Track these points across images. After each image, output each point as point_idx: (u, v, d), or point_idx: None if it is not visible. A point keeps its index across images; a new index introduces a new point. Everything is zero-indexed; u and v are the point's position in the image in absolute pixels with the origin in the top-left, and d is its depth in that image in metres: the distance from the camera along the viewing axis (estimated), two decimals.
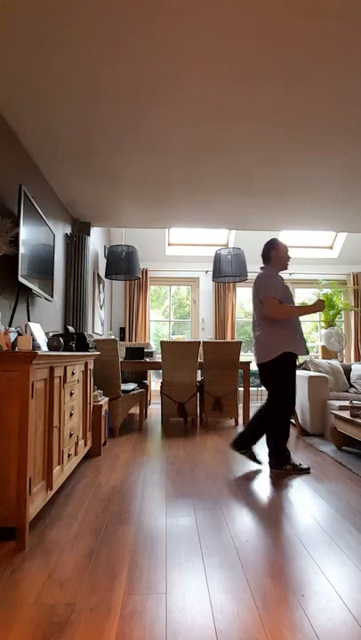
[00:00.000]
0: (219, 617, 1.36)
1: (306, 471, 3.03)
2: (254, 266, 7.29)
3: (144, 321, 6.97)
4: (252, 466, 3.18)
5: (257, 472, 3.02)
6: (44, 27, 1.98)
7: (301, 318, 7.57)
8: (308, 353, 3.12)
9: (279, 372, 3.00)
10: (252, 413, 5.82)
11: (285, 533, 2.00)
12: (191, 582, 1.57)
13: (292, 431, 4.61)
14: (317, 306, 3.02)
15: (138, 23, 1.96)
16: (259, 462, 3.16)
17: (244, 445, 3.16)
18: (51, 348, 2.70)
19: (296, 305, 3.04)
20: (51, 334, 3.23)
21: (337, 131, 2.94)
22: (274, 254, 3.19)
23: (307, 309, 3.00)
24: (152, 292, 7.51)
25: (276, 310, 2.96)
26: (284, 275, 7.38)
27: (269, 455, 3.06)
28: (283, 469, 3.01)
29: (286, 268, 3.23)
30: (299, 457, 3.47)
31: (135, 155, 3.33)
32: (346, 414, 3.58)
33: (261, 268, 3.23)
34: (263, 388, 7.03)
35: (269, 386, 3.06)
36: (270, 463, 3.06)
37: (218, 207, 4.53)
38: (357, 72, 2.31)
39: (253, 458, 3.15)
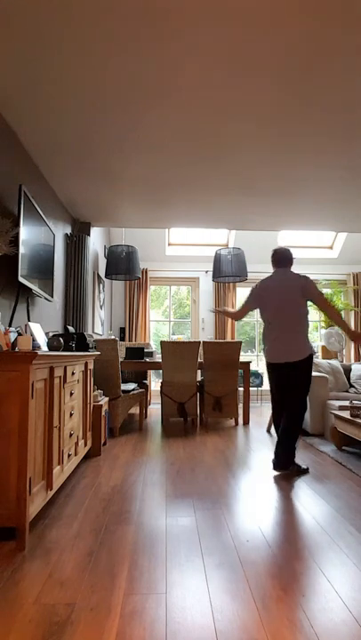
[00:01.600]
0: (219, 617, 1.36)
1: (305, 471, 3.02)
2: (254, 266, 7.30)
3: (144, 321, 6.97)
4: (253, 466, 3.17)
5: (257, 472, 3.02)
6: (44, 27, 1.98)
7: None
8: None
9: (310, 370, 3.07)
10: (252, 414, 5.82)
11: (285, 533, 2.00)
12: (191, 582, 1.57)
13: None
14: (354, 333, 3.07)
15: (138, 24, 1.96)
16: (306, 470, 3.05)
17: (288, 462, 3.01)
18: (51, 348, 2.70)
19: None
20: (51, 334, 3.23)
21: (337, 131, 2.94)
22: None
23: (344, 326, 3.07)
24: (152, 292, 7.51)
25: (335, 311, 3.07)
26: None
27: (282, 455, 2.98)
28: (289, 470, 3.00)
29: None
30: (299, 457, 3.47)
31: (135, 154, 3.33)
32: (346, 414, 3.58)
33: (288, 272, 3.21)
34: (263, 388, 7.03)
35: (302, 384, 3.05)
36: (283, 464, 2.98)
37: (218, 207, 4.53)
38: (358, 72, 2.31)
39: (301, 470, 3.04)
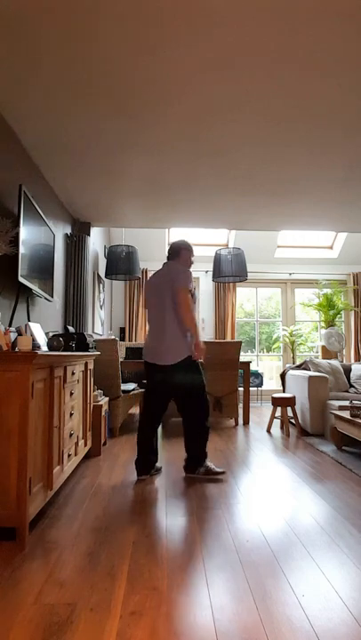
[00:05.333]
0: (219, 617, 1.36)
1: (222, 473, 2.86)
2: (254, 266, 7.30)
3: (144, 321, 6.97)
4: (252, 466, 3.17)
5: (257, 472, 3.02)
6: (45, 27, 1.98)
7: (302, 317, 7.58)
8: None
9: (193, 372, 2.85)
10: (252, 414, 5.82)
11: (285, 533, 2.00)
12: (191, 582, 1.57)
13: (292, 431, 4.61)
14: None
15: (138, 24, 1.96)
16: (221, 472, 2.88)
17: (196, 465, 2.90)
18: (51, 348, 2.70)
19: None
20: (51, 334, 3.23)
21: (337, 131, 2.94)
22: (184, 254, 3.00)
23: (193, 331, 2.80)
24: None
25: (188, 308, 2.75)
26: (283, 274, 7.39)
27: (193, 459, 2.86)
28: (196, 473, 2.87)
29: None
30: (299, 457, 3.47)
31: (135, 154, 3.33)
32: (346, 414, 3.58)
33: (167, 264, 2.96)
34: (263, 388, 7.03)
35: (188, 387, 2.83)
36: (191, 468, 2.87)
37: (218, 207, 4.53)
38: (358, 73, 2.31)
39: (213, 472, 2.86)
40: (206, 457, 2.87)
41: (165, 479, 2.83)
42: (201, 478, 2.84)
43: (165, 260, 3.08)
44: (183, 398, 2.83)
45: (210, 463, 2.88)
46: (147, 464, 2.84)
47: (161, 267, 3.00)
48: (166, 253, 3.09)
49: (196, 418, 2.83)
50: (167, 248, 6.99)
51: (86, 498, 2.47)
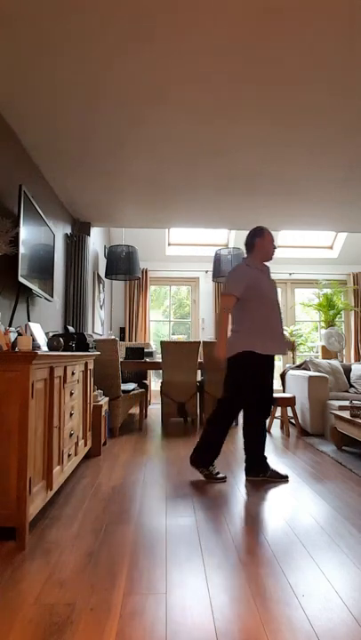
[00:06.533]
0: (219, 617, 1.36)
1: (222, 480, 2.80)
2: None
3: (144, 321, 6.97)
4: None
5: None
6: (45, 27, 1.98)
7: (302, 317, 7.58)
8: (281, 353, 2.82)
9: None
10: None
11: (285, 533, 2.00)
12: (191, 582, 1.57)
13: (292, 431, 4.61)
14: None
15: (138, 24, 1.96)
16: (285, 476, 2.84)
17: (261, 469, 2.85)
18: (51, 348, 2.70)
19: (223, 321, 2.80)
20: (51, 334, 3.23)
21: (337, 131, 2.94)
22: (258, 242, 2.88)
23: (219, 337, 2.79)
24: (152, 292, 7.51)
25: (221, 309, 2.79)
26: (283, 274, 7.38)
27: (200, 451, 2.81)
28: (200, 470, 2.84)
29: (271, 259, 2.92)
30: (298, 457, 3.47)
31: (135, 154, 3.33)
32: (346, 414, 3.58)
33: (243, 259, 2.94)
34: None
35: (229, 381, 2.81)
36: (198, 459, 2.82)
37: (218, 207, 4.53)
38: (358, 73, 2.31)
39: (277, 475, 2.84)
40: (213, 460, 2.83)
41: (165, 479, 2.83)
42: (200, 479, 2.84)
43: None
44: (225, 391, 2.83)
45: (212, 467, 2.83)
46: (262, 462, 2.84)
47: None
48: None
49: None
50: (167, 248, 7.00)
51: (86, 498, 2.47)
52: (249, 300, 2.77)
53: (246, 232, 6.55)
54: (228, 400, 2.78)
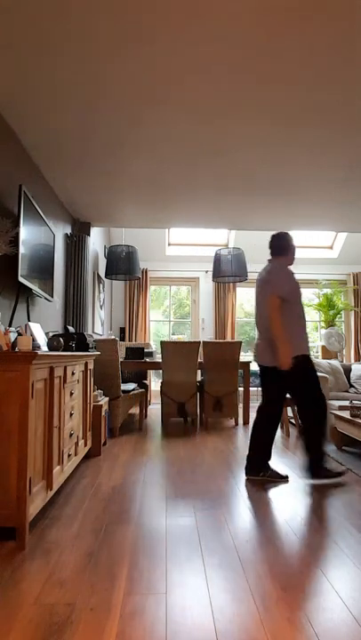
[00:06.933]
0: (219, 617, 1.36)
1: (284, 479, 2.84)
2: (254, 266, 7.29)
3: (144, 321, 6.97)
4: None
5: None
6: (45, 27, 1.98)
7: None
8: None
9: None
10: (252, 414, 5.82)
11: (285, 533, 2.00)
12: (191, 582, 1.57)
13: (292, 431, 4.61)
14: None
15: (138, 23, 1.96)
16: (285, 477, 2.84)
17: (262, 468, 2.86)
18: (51, 348, 2.70)
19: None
20: (51, 334, 3.23)
21: (337, 131, 2.94)
22: (293, 247, 2.95)
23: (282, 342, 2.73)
24: (152, 292, 7.51)
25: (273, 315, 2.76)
26: None
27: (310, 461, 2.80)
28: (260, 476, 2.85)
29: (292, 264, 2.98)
30: (299, 457, 3.47)
31: (135, 154, 3.33)
32: (346, 414, 3.58)
33: (275, 261, 2.94)
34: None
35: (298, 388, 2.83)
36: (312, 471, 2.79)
37: (218, 207, 4.53)
38: (358, 73, 2.31)
39: (277, 475, 2.84)
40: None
41: (165, 479, 2.83)
42: (199, 479, 2.84)
43: (269, 257, 3.00)
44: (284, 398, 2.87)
45: (326, 461, 2.82)
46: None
47: (267, 263, 2.97)
48: (269, 244, 2.98)
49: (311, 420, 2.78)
50: (167, 248, 6.98)
51: (86, 498, 2.47)
52: (292, 302, 2.79)
53: (246, 232, 6.58)
54: (311, 400, 2.76)
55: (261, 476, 2.83)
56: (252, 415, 5.69)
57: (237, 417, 4.92)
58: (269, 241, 3.01)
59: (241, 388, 5.92)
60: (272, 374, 2.85)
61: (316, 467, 2.77)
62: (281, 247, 2.94)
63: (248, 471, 2.86)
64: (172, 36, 2.04)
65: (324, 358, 6.06)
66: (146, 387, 5.32)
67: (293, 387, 2.81)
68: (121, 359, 4.97)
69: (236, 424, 4.95)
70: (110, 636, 1.27)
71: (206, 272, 7.18)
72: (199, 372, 5.65)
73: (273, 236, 2.99)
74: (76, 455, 2.81)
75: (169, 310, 7.61)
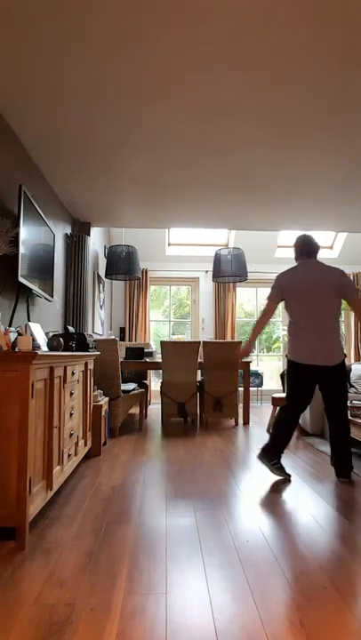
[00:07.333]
0: (219, 617, 1.36)
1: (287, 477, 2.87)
2: (254, 266, 7.29)
3: (144, 321, 6.97)
4: (253, 466, 3.17)
5: (257, 472, 3.01)
6: (45, 27, 1.98)
7: None
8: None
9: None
10: (252, 414, 5.82)
11: (285, 533, 2.00)
12: (191, 582, 1.57)
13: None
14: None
15: (138, 23, 1.96)
16: (288, 475, 2.87)
17: (274, 456, 2.87)
18: (51, 348, 2.70)
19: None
20: (51, 334, 3.23)
21: (338, 131, 2.94)
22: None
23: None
24: (152, 292, 7.51)
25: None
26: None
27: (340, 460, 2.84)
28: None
29: None
30: (299, 457, 3.47)
31: (135, 154, 3.33)
32: None
33: (317, 262, 3.00)
34: (263, 388, 7.02)
35: (343, 387, 2.88)
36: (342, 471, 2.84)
37: (218, 207, 4.53)
38: (358, 73, 2.31)
39: (283, 470, 2.86)
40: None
41: (165, 479, 2.83)
42: (199, 479, 2.84)
43: (305, 259, 3.01)
44: (342, 397, 2.87)
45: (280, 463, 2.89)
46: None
47: (308, 263, 2.98)
48: (298, 247, 3.02)
49: (344, 418, 2.85)
50: (167, 248, 6.99)
51: (86, 498, 2.47)
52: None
53: (246, 232, 6.57)
54: (345, 400, 2.87)
55: (272, 464, 2.86)
56: (252, 415, 5.70)
57: (237, 417, 4.92)
58: (308, 240, 3.00)
59: (241, 389, 5.92)
60: (326, 374, 2.83)
61: (347, 461, 2.82)
62: (316, 248, 3.03)
63: (261, 456, 2.90)
64: (172, 36, 2.04)
65: None
66: (146, 387, 5.32)
67: (344, 386, 2.88)
68: (121, 359, 4.97)
69: (237, 424, 4.95)
70: (110, 636, 1.27)
71: (206, 272, 7.18)
72: (199, 372, 5.65)
73: (308, 236, 3.03)
74: (76, 455, 2.81)
75: (169, 310, 7.61)
